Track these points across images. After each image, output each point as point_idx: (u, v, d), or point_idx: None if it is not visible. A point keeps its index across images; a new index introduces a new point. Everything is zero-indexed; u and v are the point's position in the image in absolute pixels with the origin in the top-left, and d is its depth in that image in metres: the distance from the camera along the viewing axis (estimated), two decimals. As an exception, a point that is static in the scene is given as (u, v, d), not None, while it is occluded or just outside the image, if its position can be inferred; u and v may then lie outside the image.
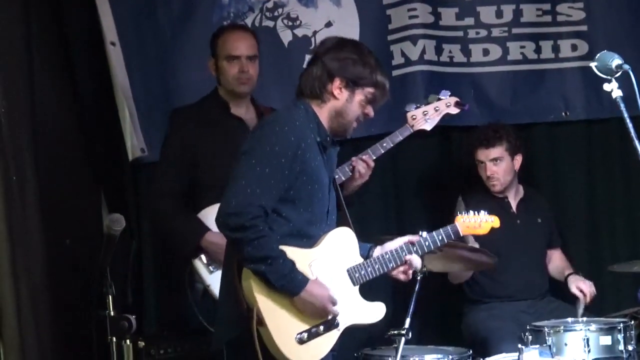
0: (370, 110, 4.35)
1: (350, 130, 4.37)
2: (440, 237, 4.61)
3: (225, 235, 4.20)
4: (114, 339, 4.32)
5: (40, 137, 5.35)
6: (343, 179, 5.31)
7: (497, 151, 6.00)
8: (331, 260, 4.28)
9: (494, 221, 4.96)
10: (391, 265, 4.42)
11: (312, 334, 4.19)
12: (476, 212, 4.89)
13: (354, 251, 4.39)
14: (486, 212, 4.93)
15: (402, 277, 4.49)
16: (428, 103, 5.57)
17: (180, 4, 6.17)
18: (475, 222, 4.87)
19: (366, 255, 4.43)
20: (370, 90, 4.30)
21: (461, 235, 4.76)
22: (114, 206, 5.85)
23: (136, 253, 5.93)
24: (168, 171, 5.40)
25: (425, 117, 5.53)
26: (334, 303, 4.22)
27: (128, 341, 4.37)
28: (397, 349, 4.65)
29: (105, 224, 4.47)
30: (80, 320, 4.81)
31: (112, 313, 4.32)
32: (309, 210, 4.22)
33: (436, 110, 5.56)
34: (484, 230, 4.94)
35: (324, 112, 4.30)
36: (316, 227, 4.27)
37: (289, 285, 4.12)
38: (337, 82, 4.27)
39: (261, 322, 4.09)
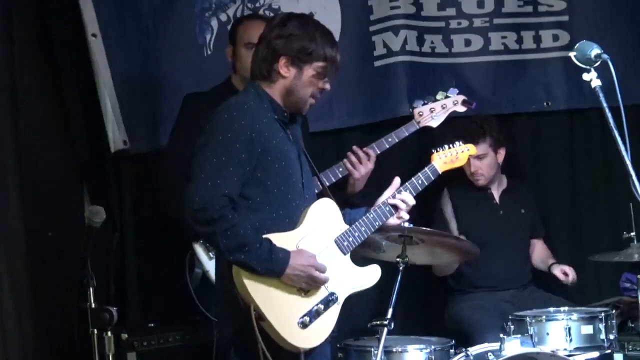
0: (325, 85, 4.28)
1: (307, 106, 4.30)
2: (420, 182, 4.60)
3: (197, 232, 4.19)
4: (95, 330, 4.32)
5: (22, 129, 5.34)
6: (333, 180, 5.31)
7: (481, 148, 5.96)
8: (317, 235, 4.26)
9: (470, 149, 4.97)
10: (377, 223, 4.39)
11: (314, 315, 4.17)
12: (450, 145, 4.88)
13: (338, 220, 4.36)
14: (461, 142, 4.91)
15: (397, 221, 4.45)
16: (435, 100, 5.55)
17: (162, -5, 6.16)
18: (452, 156, 4.86)
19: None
20: (319, 64, 4.23)
21: (439, 172, 4.73)
22: (96, 198, 5.84)
23: (118, 245, 5.92)
24: (177, 155, 5.38)
25: (432, 114, 5.52)
26: (320, 269, 4.17)
27: (109, 333, 4.36)
28: (379, 340, 4.64)
29: (85, 215, 4.46)
30: (61, 311, 4.81)
31: (93, 305, 4.31)
32: (281, 189, 4.19)
33: (443, 108, 5.55)
34: (462, 161, 4.95)
35: (275, 92, 4.26)
36: (295, 204, 4.24)
37: (272, 266, 4.09)
38: (282, 61, 4.21)
39: (261, 317, 4.08)
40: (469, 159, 5.94)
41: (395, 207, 4.45)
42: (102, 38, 5.95)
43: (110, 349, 4.36)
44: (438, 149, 4.85)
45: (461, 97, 5.58)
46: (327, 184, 4.95)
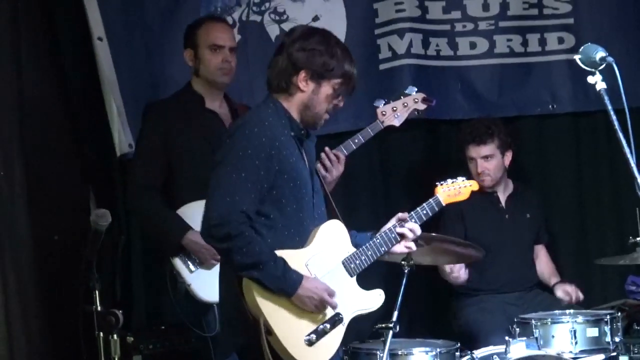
0: (339, 102, 4.30)
1: (322, 121, 4.31)
2: (425, 212, 4.66)
3: (214, 247, 4.20)
4: (101, 333, 4.33)
5: (28, 133, 5.35)
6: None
7: (488, 148, 6.01)
8: (326, 256, 4.28)
9: (472, 185, 5.07)
10: (383, 249, 4.42)
11: (320, 333, 4.19)
12: (454, 180, 4.98)
13: (346, 242, 4.38)
14: (464, 178, 5.03)
15: (404, 249, 4.48)
16: (397, 99, 5.55)
17: (168, -2, 6.18)
18: (455, 190, 4.97)
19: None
20: (337, 81, 4.24)
21: (443, 205, 4.83)
22: (102, 202, 5.83)
23: (124, 248, 5.93)
24: (145, 166, 5.38)
25: (395, 112, 5.51)
26: (331, 294, 4.20)
27: (115, 336, 4.37)
28: (385, 343, 4.64)
29: (91, 219, 4.48)
30: (68, 315, 4.81)
31: (99, 308, 4.33)
32: (294, 207, 4.19)
33: (404, 106, 5.54)
34: (464, 196, 5.04)
35: (292, 105, 4.25)
36: (306, 223, 4.25)
37: (284, 285, 4.10)
38: (302, 75, 4.20)
39: (270, 332, 4.09)
40: (476, 160, 5.98)
41: (402, 236, 4.47)
42: (107, 41, 5.96)
43: (115, 351, 4.39)
44: (442, 182, 4.95)
45: (421, 95, 5.56)
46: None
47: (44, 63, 5.82)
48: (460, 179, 5.03)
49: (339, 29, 6.15)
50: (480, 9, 6.45)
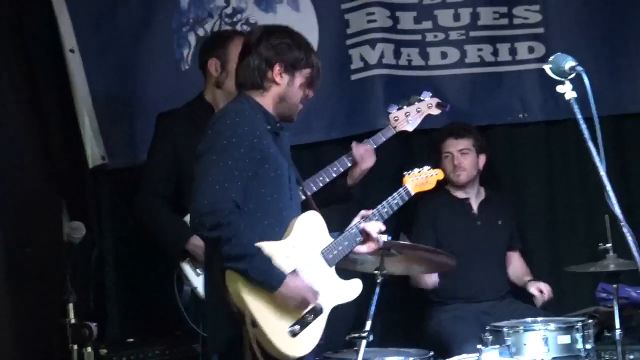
0: (310, 92, 4.40)
1: (296, 113, 4.39)
2: (395, 202, 4.80)
3: (202, 236, 4.20)
4: (75, 346, 4.33)
5: (-1, 145, 5.35)
6: (314, 189, 5.33)
7: (465, 142, 6.12)
8: (306, 247, 4.30)
9: (438, 174, 5.25)
10: (358, 239, 4.46)
11: (303, 324, 4.20)
12: (420, 169, 5.15)
13: (324, 233, 4.42)
14: (429, 167, 5.20)
15: (366, 249, 4.51)
16: (410, 104, 5.59)
17: (140, 10, 6.16)
18: (422, 179, 5.16)
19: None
20: (307, 71, 4.35)
21: (412, 193, 5.00)
22: (75, 214, 5.83)
23: (98, 260, 5.92)
24: (156, 174, 5.42)
25: (407, 118, 5.56)
26: (314, 293, 4.23)
27: (89, 348, 4.37)
28: (358, 352, 4.66)
29: (65, 231, 4.47)
30: (41, 327, 4.80)
31: (72, 320, 4.32)
32: (274, 197, 4.22)
33: (418, 112, 5.59)
34: (431, 185, 5.22)
35: (267, 100, 4.32)
36: (285, 213, 4.28)
37: (267, 280, 4.12)
38: (276, 68, 4.30)
39: (255, 323, 4.11)
40: (452, 154, 6.03)
41: (366, 234, 4.49)
42: (80, 53, 5.97)
43: (90, 364, 4.38)
44: (409, 172, 5.11)
45: (435, 100, 5.62)
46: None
47: (16, 75, 5.81)
48: (426, 167, 5.19)
49: (310, 39, 6.02)
50: (451, 19, 6.49)
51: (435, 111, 5.64)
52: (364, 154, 5.47)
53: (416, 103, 5.60)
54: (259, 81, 4.31)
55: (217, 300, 4.20)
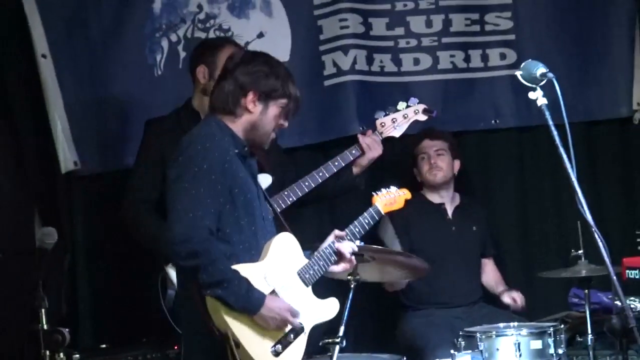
0: (284, 122, 4.36)
1: (267, 142, 4.37)
2: (366, 221, 4.86)
3: (178, 265, 4.20)
4: (47, 352, 4.31)
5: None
6: (313, 185, 5.38)
7: (441, 143, 6.18)
8: (282, 268, 4.30)
9: (405, 194, 5.32)
10: (333, 258, 4.47)
11: (285, 344, 4.22)
12: (388, 189, 5.22)
13: (299, 253, 4.42)
14: (397, 187, 5.27)
15: (341, 268, 4.53)
16: (397, 110, 5.62)
17: (112, 15, 6.13)
18: (392, 199, 5.22)
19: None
20: (283, 101, 4.29)
21: (383, 213, 5.08)
22: (47, 220, 5.81)
23: (70, 266, 5.90)
24: (143, 180, 5.40)
25: (394, 124, 5.58)
26: (294, 314, 4.24)
27: (62, 354, 4.36)
28: (331, 358, 4.67)
29: (37, 237, 4.46)
30: (13, 333, 4.78)
31: (45, 326, 4.30)
32: (246, 221, 4.22)
33: (405, 118, 5.61)
34: (399, 204, 5.28)
35: (237, 126, 4.29)
36: (259, 236, 4.27)
37: (247, 304, 4.11)
38: (250, 96, 4.25)
39: (237, 344, 4.10)
40: (428, 154, 6.06)
41: (340, 254, 4.51)
42: (52, 59, 5.95)
43: (62, 370, 4.36)
44: (377, 192, 5.16)
45: (422, 106, 5.65)
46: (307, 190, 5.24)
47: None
48: (393, 188, 5.25)
49: (283, 45, 6.19)
50: (424, 25, 6.51)
51: (422, 117, 5.67)
52: (371, 144, 5.51)
53: (403, 109, 5.62)
54: (231, 107, 4.27)
55: (195, 323, 4.18)
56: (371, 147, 5.52)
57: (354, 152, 5.54)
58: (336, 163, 5.46)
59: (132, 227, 5.47)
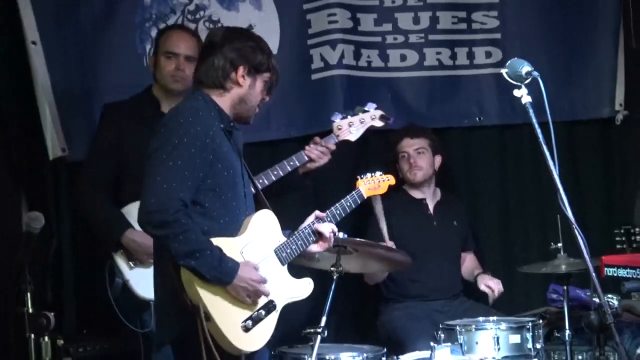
0: (267, 96, 4.45)
1: (253, 115, 4.44)
2: (348, 204, 4.93)
3: (150, 234, 4.22)
4: (32, 335, 4.32)
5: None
6: (267, 183, 5.37)
7: (421, 142, 6.19)
8: (259, 244, 4.35)
9: (390, 179, 5.40)
10: (311, 238, 4.52)
11: (255, 320, 4.26)
12: (373, 174, 5.31)
13: (277, 231, 4.47)
14: (382, 172, 5.35)
15: (320, 248, 4.58)
16: (354, 114, 5.60)
17: (102, 4, 6.16)
18: (375, 184, 5.32)
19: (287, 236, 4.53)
20: (267, 75, 4.40)
21: (365, 197, 5.15)
22: (34, 205, 5.83)
23: (56, 251, 5.93)
24: (97, 164, 5.45)
25: (350, 128, 5.58)
26: (264, 282, 4.27)
27: (47, 338, 4.37)
28: (313, 347, 4.71)
29: (24, 221, 4.48)
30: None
31: (30, 310, 4.32)
32: (228, 196, 4.26)
33: (361, 122, 5.59)
34: (383, 189, 5.38)
35: (225, 100, 4.36)
36: (239, 211, 4.32)
37: (220, 275, 4.16)
38: (240, 70, 4.33)
39: (208, 317, 4.14)
40: (408, 153, 6.10)
41: (320, 234, 4.56)
42: (42, 46, 5.97)
43: (47, 354, 4.37)
44: (362, 176, 5.26)
45: (379, 112, 5.62)
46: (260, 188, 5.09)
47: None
48: (378, 173, 5.33)
49: (272, 38, 6.22)
50: (411, 22, 6.56)
51: (379, 123, 5.63)
52: (319, 155, 5.49)
53: (360, 114, 5.60)
54: (221, 81, 4.34)
55: (168, 293, 4.23)
56: (320, 157, 5.50)
57: (328, 141, 5.54)
58: (291, 163, 5.46)
59: (81, 210, 5.51)
